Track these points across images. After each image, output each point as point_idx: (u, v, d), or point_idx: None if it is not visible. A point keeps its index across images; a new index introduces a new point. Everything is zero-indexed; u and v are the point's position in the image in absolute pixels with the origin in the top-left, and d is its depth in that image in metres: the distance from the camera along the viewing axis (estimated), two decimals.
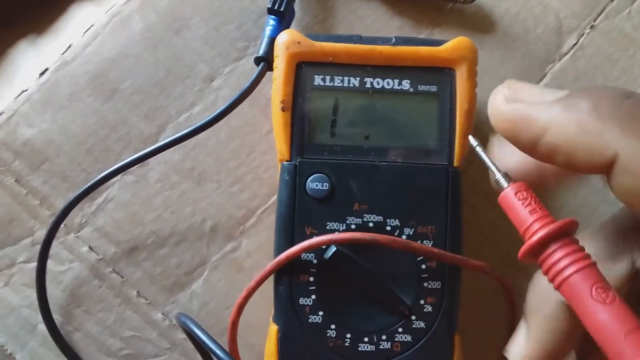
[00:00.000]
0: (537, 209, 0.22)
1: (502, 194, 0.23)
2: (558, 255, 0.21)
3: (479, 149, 0.25)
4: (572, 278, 0.21)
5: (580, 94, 0.19)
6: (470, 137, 0.26)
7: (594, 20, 0.39)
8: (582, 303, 0.21)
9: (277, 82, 0.32)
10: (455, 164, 0.32)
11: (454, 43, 0.32)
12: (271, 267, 0.31)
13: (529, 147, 0.20)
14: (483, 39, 0.39)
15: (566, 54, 0.39)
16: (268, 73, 0.35)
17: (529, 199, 0.22)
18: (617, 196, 0.19)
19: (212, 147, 0.37)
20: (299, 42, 0.31)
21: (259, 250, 0.37)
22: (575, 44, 0.39)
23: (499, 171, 0.24)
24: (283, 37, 0.32)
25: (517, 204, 0.22)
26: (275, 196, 0.35)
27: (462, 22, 0.39)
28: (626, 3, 0.39)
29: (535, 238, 0.21)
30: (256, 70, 0.35)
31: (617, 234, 0.23)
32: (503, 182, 0.23)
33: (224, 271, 0.37)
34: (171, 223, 0.37)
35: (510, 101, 0.21)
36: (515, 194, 0.23)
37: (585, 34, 0.39)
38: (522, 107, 0.20)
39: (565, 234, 0.21)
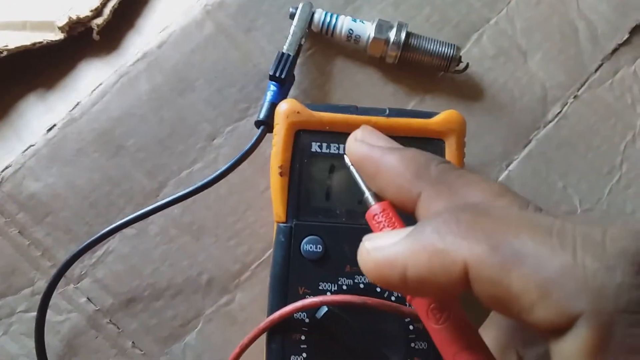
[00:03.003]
0: (398, 227, 0.24)
1: (368, 211, 0.25)
2: None
3: (352, 169, 0.27)
4: (416, 298, 0.23)
5: (423, 222, 0.21)
6: (345, 157, 0.27)
7: (578, 91, 0.41)
8: (424, 322, 0.22)
9: (276, 149, 0.33)
10: None
11: (444, 116, 0.34)
12: (264, 325, 0.32)
13: (400, 285, 0.21)
14: (472, 106, 0.41)
15: (550, 122, 0.41)
16: (267, 135, 0.37)
17: (392, 217, 0.24)
18: (484, 305, 0.20)
19: (211, 202, 0.39)
20: (298, 112, 0.33)
21: (252, 304, 0.38)
22: (559, 113, 0.41)
23: (369, 190, 0.25)
24: (283, 107, 0.33)
25: (380, 221, 0.24)
26: (270, 251, 0.37)
27: (452, 90, 0.41)
28: (608, 75, 0.42)
29: None
30: (256, 132, 0.37)
31: (504, 327, 0.25)
32: (370, 200, 0.25)
33: (218, 324, 0.38)
34: (168, 276, 0.38)
35: (371, 250, 0.22)
36: (382, 211, 0.24)
37: (569, 104, 0.41)
38: (382, 252, 0.22)
39: None
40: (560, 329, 0.18)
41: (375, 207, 0.25)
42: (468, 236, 0.19)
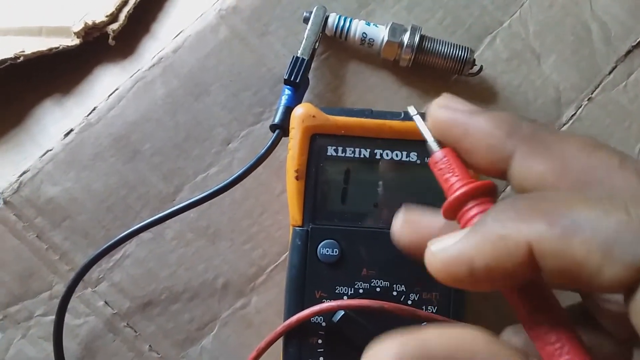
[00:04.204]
0: (457, 173, 0.24)
1: (431, 157, 0.25)
2: (473, 212, 0.23)
3: (416, 118, 0.26)
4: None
5: (483, 215, 0.22)
6: (409, 108, 0.27)
7: (592, 93, 0.41)
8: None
9: (292, 152, 0.33)
10: None
11: None
12: (281, 329, 0.32)
13: (469, 280, 0.21)
14: (486, 108, 0.40)
15: (565, 124, 0.41)
16: (282, 138, 0.37)
17: (453, 164, 0.24)
18: (557, 285, 0.21)
19: (226, 206, 0.39)
20: (314, 116, 0.33)
21: (268, 307, 0.38)
22: (573, 115, 0.41)
23: (433, 137, 0.25)
24: (299, 111, 0.34)
25: (441, 168, 0.24)
26: (286, 254, 0.37)
27: (466, 93, 0.41)
28: (622, 77, 0.42)
29: (454, 195, 0.23)
30: (271, 136, 0.37)
31: None
32: (434, 147, 0.25)
33: (234, 327, 0.38)
34: (185, 279, 0.38)
35: (436, 252, 0.22)
36: (444, 157, 0.24)
37: (583, 106, 0.41)
38: (447, 252, 0.22)
39: (482, 194, 0.23)
40: (631, 285, 0.18)
41: (438, 154, 0.25)
42: (526, 218, 0.20)
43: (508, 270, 0.20)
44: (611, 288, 0.19)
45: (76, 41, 0.41)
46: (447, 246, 0.22)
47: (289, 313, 0.33)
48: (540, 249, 0.19)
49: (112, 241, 0.36)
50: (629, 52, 0.42)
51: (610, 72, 0.42)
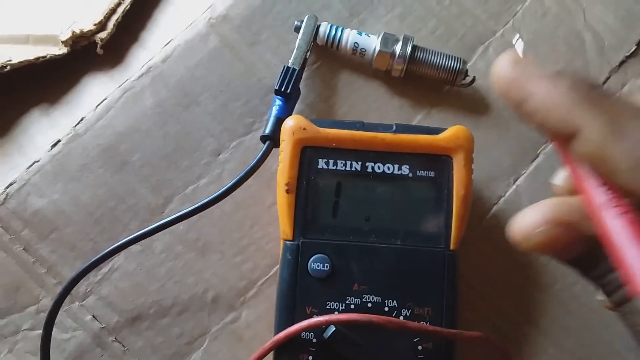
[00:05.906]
0: None
1: None
2: None
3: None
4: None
5: (565, 74, 0.23)
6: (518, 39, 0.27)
7: None
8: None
9: (282, 165, 0.33)
10: (452, 247, 0.33)
11: (452, 132, 0.33)
12: (270, 345, 0.32)
13: (515, 105, 0.23)
14: (478, 119, 0.40)
15: None
16: (273, 149, 0.37)
17: None
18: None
19: (216, 218, 0.38)
20: (304, 128, 0.33)
21: (258, 321, 0.38)
22: None
23: None
24: (289, 123, 0.33)
25: None
26: (276, 267, 0.37)
27: (459, 104, 0.40)
28: (616, 88, 0.41)
29: None
30: (262, 147, 0.37)
31: None
32: None
33: (224, 342, 0.37)
34: (174, 293, 0.38)
35: (514, 65, 0.23)
36: None
37: None
38: (520, 76, 0.23)
39: None
40: None
41: None
42: (593, 108, 0.21)
43: (544, 127, 0.22)
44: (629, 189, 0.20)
45: (64, 50, 0.40)
46: (527, 73, 0.22)
47: (279, 328, 0.32)
48: (586, 137, 0.21)
49: (100, 254, 0.35)
50: (622, 62, 0.42)
51: (603, 83, 0.41)
